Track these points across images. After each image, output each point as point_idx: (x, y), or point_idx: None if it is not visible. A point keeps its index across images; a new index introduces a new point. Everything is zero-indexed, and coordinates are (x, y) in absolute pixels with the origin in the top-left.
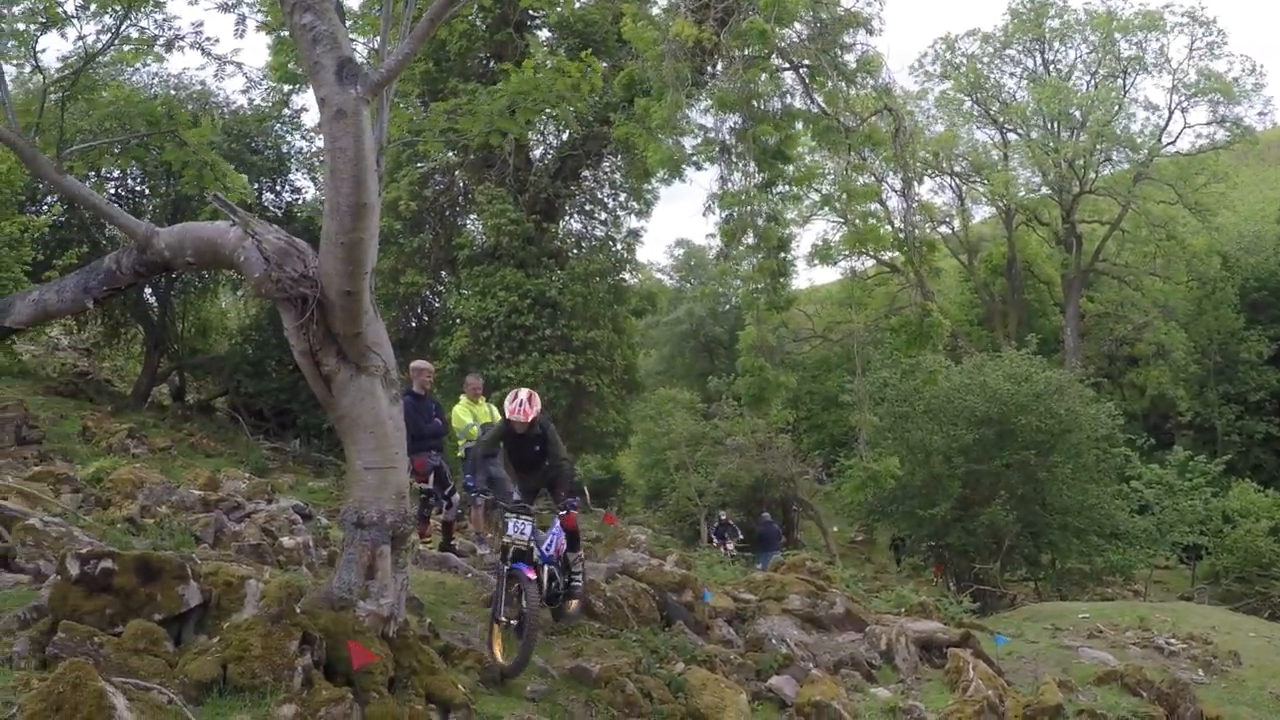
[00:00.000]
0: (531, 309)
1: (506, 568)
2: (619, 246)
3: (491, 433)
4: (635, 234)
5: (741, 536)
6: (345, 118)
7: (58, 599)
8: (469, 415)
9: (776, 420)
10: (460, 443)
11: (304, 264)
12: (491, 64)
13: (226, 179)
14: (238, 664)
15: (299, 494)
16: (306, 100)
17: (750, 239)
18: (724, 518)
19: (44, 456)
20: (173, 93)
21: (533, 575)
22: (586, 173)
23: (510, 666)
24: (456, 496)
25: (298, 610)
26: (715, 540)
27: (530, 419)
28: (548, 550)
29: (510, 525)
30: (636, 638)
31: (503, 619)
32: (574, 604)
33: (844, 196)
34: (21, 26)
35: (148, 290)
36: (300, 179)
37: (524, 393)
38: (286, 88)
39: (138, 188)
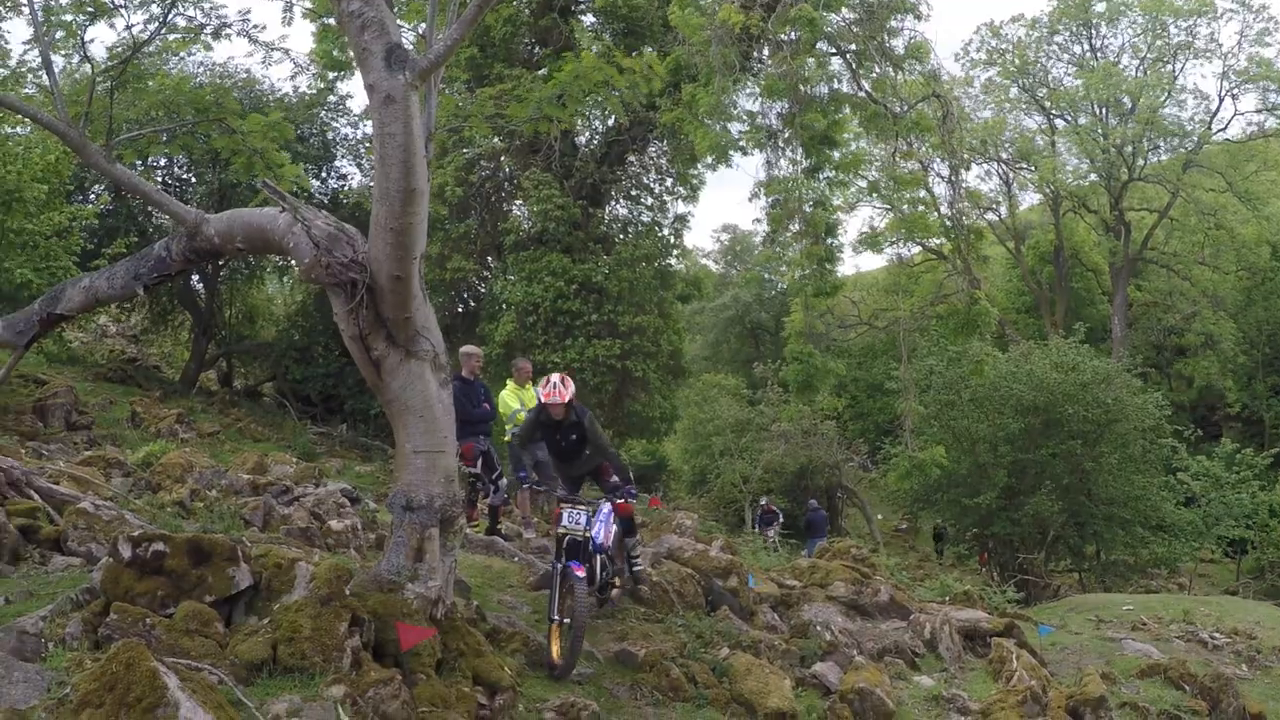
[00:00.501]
0: (578, 294)
1: (559, 565)
2: (666, 232)
3: (525, 424)
4: (682, 219)
5: (783, 520)
6: (394, 103)
7: (110, 581)
8: (516, 400)
9: (827, 407)
10: (508, 427)
11: (353, 249)
12: (536, 50)
13: (281, 169)
14: (288, 645)
15: (346, 478)
16: (351, 87)
17: (797, 225)
18: (765, 504)
19: (94, 441)
20: (218, 80)
21: (582, 573)
22: (633, 158)
23: (560, 666)
24: (504, 481)
25: (347, 592)
26: (758, 527)
27: (566, 400)
28: (598, 538)
29: (565, 516)
30: (681, 622)
31: (556, 618)
32: (615, 591)
33: (892, 183)
34: (69, 17)
35: (195, 277)
36: (346, 165)
37: (556, 376)
38: (331, 74)
39: (184, 175)
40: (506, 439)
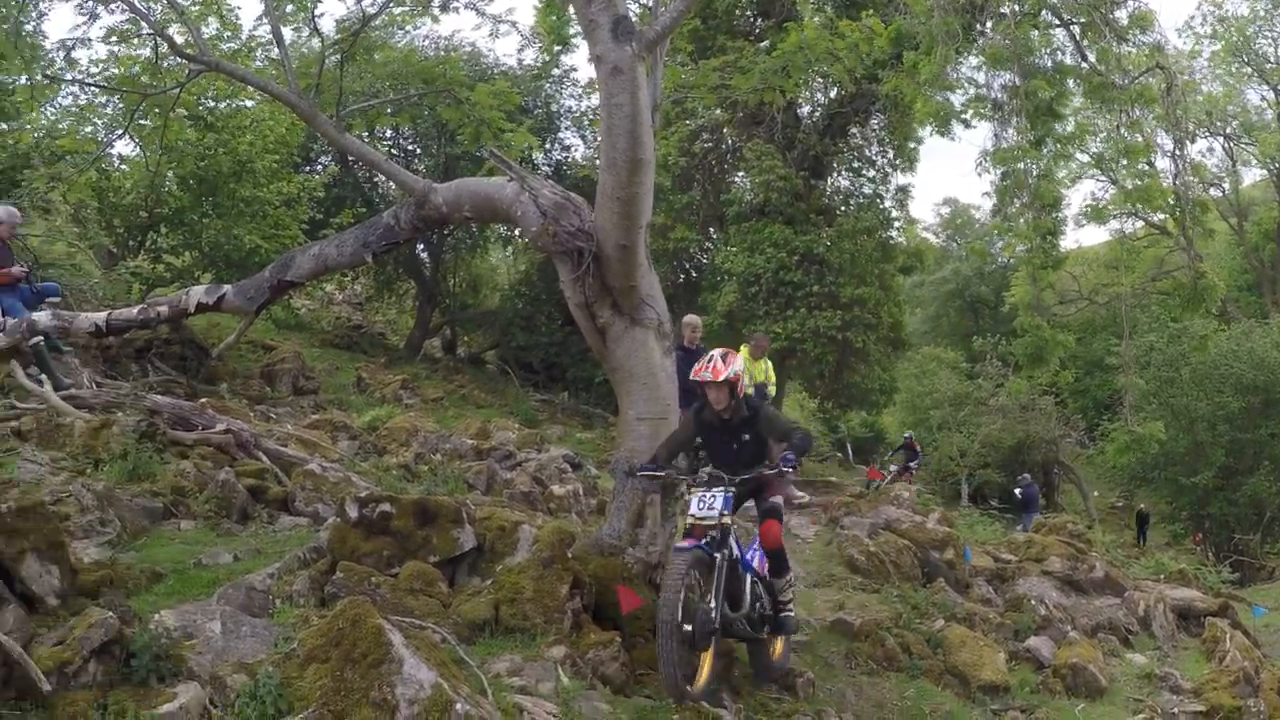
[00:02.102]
0: (799, 265)
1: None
2: (888, 204)
3: (681, 426)
4: (904, 190)
5: (920, 457)
6: (621, 75)
7: (337, 540)
8: (746, 374)
9: (1062, 379)
10: None
11: (580, 218)
12: (758, 21)
13: (510, 136)
14: (510, 606)
15: (567, 445)
16: (575, 60)
17: (1024, 197)
18: (909, 439)
19: (320, 406)
20: (444, 54)
21: (688, 543)
22: (854, 130)
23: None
24: None
25: (569, 556)
26: (894, 469)
27: (721, 378)
28: (749, 561)
29: (695, 503)
30: (897, 593)
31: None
32: (780, 646)
33: (1120, 156)
34: None
35: (420, 246)
36: (570, 137)
37: (718, 351)
38: (556, 47)
39: (410, 147)
40: None
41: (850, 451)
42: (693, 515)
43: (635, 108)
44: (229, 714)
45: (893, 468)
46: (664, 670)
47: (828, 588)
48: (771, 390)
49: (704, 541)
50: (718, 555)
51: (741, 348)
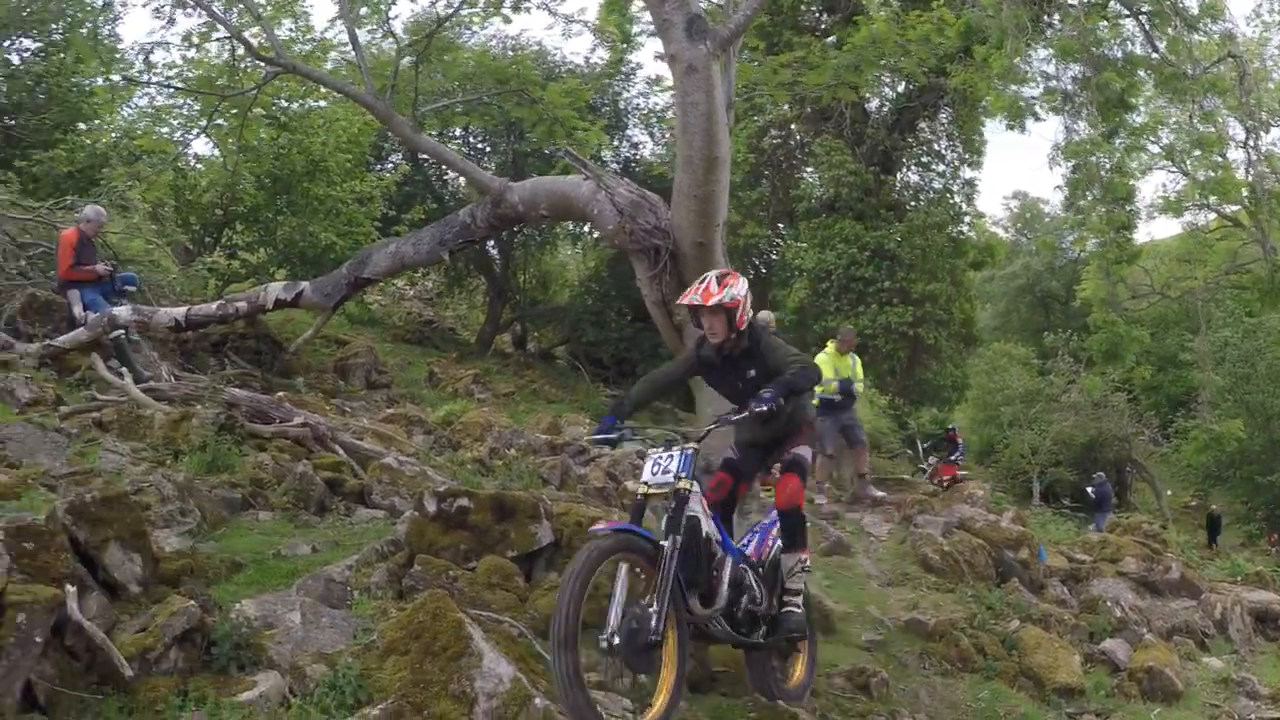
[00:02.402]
0: (870, 261)
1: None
2: (957, 198)
3: (678, 360)
4: (971, 184)
5: (960, 450)
6: (696, 73)
7: (415, 533)
8: (830, 369)
9: (1137, 375)
10: (819, 391)
11: (656, 216)
12: (824, 17)
13: (582, 135)
14: (588, 601)
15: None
16: (641, 57)
17: (1096, 191)
18: (952, 431)
19: (393, 400)
20: (512, 53)
21: (603, 528)
22: (923, 124)
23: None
24: None
25: None
26: (933, 460)
27: (711, 301)
28: (746, 547)
29: (648, 466)
30: (972, 593)
31: (605, 636)
32: (800, 668)
33: (1192, 147)
34: None
35: (490, 243)
36: (638, 134)
37: (715, 272)
38: (622, 45)
39: (479, 145)
40: (815, 403)
41: (921, 449)
42: (644, 483)
43: (711, 106)
44: (308, 703)
45: (932, 459)
46: (564, 703)
47: (902, 586)
48: (859, 387)
49: (636, 523)
50: (665, 541)
51: (829, 344)
